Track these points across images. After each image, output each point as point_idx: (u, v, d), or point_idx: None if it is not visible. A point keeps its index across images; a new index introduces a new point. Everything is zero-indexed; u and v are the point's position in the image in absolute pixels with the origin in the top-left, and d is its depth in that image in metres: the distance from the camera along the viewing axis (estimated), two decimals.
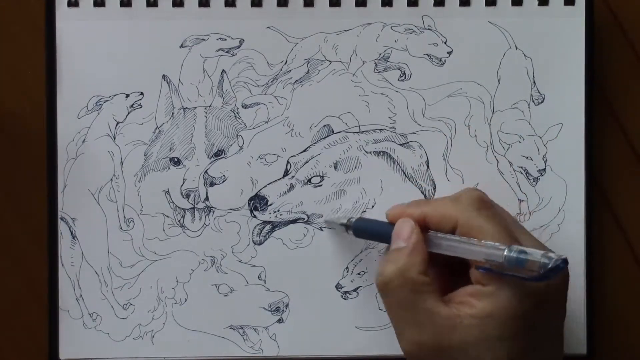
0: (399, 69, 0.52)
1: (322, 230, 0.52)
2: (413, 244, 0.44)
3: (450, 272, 0.46)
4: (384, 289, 0.44)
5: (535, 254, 0.40)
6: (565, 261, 0.39)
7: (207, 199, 0.52)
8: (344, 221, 0.50)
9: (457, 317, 0.42)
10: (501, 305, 0.41)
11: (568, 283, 0.44)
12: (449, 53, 0.52)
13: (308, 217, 0.52)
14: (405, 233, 0.45)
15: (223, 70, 0.52)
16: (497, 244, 0.42)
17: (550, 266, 0.39)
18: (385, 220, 0.48)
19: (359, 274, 0.52)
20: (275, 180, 0.52)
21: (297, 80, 0.52)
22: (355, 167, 0.52)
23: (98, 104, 0.52)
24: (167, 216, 0.52)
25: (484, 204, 0.45)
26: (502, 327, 0.41)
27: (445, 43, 0.52)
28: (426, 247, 0.44)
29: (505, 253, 0.41)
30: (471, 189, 0.47)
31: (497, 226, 0.43)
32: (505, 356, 0.41)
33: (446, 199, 0.46)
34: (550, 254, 0.40)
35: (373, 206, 0.52)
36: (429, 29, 0.52)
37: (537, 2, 0.52)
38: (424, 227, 0.45)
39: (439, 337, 0.42)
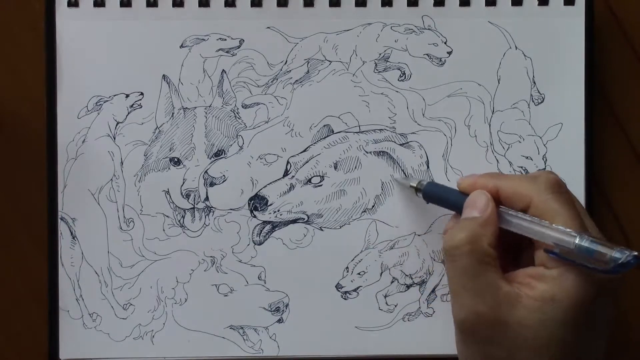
0: (399, 69, 0.52)
1: (322, 230, 0.52)
2: (488, 214, 0.44)
3: (511, 253, 0.46)
4: (452, 253, 0.44)
5: (607, 246, 0.40)
6: (636, 257, 0.39)
7: (207, 199, 0.52)
8: (414, 184, 0.50)
9: (517, 295, 0.42)
10: (564, 290, 0.41)
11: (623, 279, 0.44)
12: (449, 53, 0.52)
13: (308, 217, 0.52)
14: (480, 204, 0.45)
15: (223, 70, 0.52)
16: (569, 230, 0.41)
17: (621, 261, 0.39)
18: (456, 188, 0.48)
19: (359, 274, 0.52)
20: (275, 180, 0.52)
21: (297, 80, 0.52)
22: (355, 167, 0.52)
23: (98, 104, 0.52)
24: (167, 216, 0.52)
25: (560, 187, 0.44)
26: (561, 312, 0.41)
27: (445, 43, 0.52)
28: (497, 221, 0.44)
29: (577, 241, 0.40)
30: (548, 172, 0.46)
31: (571, 212, 0.43)
32: (561, 341, 0.41)
33: (522, 177, 0.46)
34: (623, 249, 0.39)
35: (373, 206, 0.52)
36: (429, 29, 0.52)
37: (537, 2, 0.52)
38: (496, 200, 0.45)
39: (498, 311, 0.42)
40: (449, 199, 0.48)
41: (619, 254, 0.39)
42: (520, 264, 0.44)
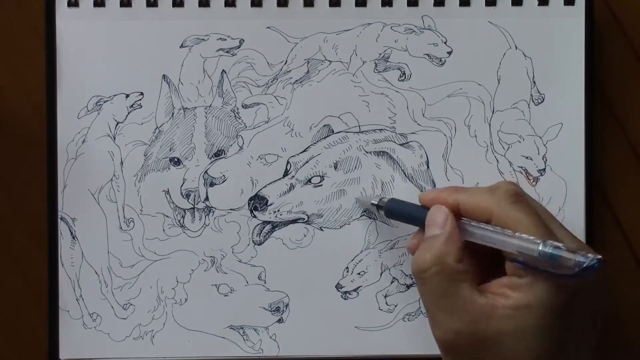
0: (399, 69, 0.52)
1: (322, 230, 0.52)
2: (448, 231, 0.44)
3: (485, 262, 0.46)
4: (421, 276, 0.44)
5: (570, 251, 0.40)
6: (600, 261, 0.39)
7: (207, 199, 0.52)
8: (376, 201, 0.50)
9: (493, 306, 0.42)
10: (537, 297, 0.41)
11: (607, 280, 0.44)
12: (449, 53, 0.52)
13: (308, 217, 0.52)
14: (440, 220, 0.45)
15: (223, 70, 0.52)
16: (532, 237, 0.41)
17: (584, 265, 0.39)
18: (418, 203, 0.48)
19: (359, 274, 0.52)
20: (275, 180, 0.52)
21: (297, 80, 0.52)
22: (355, 167, 0.52)
23: (98, 104, 0.52)
24: (167, 216, 0.52)
25: (519, 197, 0.44)
26: (537, 319, 0.41)
27: (445, 43, 0.52)
28: (460, 235, 0.44)
29: (539, 248, 0.40)
30: (507, 182, 0.47)
31: (533, 219, 0.43)
32: (539, 347, 0.41)
33: (481, 189, 0.46)
34: (586, 253, 0.39)
35: None
36: (429, 29, 0.52)
37: (537, 2, 0.52)
38: (457, 214, 0.45)
39: (475, 326, 0.42)
40: (410, 214, 0.48)
41: (582, 259, 0.39)
42: (497, 273, 0.44)
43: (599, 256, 0.39)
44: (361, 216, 0.52)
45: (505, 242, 0.42)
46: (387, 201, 0.50)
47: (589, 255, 0.39)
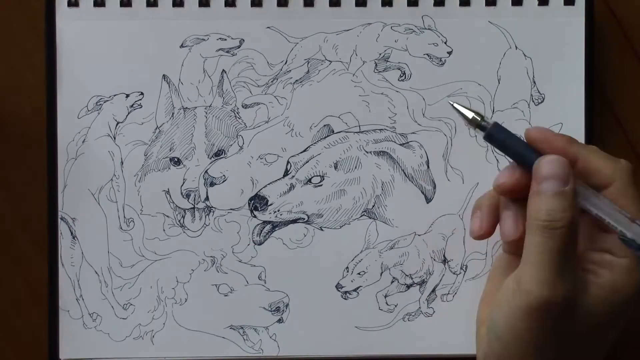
0: (399, 69, 0.52)
1: (322, 230, 0.52)
2: (574, 187, 0.41)
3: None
4: (551, 229, 0.41)
5: None
6: None
7: (207, 199, 0.52)
8: (478, 119, 0.44)
9: (585, 279, 0.41)
10: (632, 282, 0.41)
11: None
12: (449, 53, 0.52)
13: (308, 217, 0.52)
14: (564, 174, 0.41)
15: (223, 70, 0.52)
16: None
17: None
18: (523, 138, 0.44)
19: (359, 274, 0.52)
20: (275, 180, 0.52)
21: (297, 80, 0.52)
22: (356, 167, 0.52)
23: (98, 104, 0.52)
24: (167, 216, 0.52)
25: (635, 176, 0.43)
26: (624, 303, 0.41)
27: (445, 43, 0.52)
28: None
29: None
30: (624, 160, 0.44)
31: None
32: (614, 329, 0.42)
33: (604, 154, 0.43)
34: None
35: (373, 206, 0.52)
36: (429, 29, 0.52)
37: (537, 2, 0.52)
38: (573, 164, 0.43)
39: (574, 291, 0.41)
40: (516, 150, 0.43)
41: None
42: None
43: None
44: (361, 216, 0.52)
45: (620, 220, 0.41)
46: (491, 125, 0.44)
47: None
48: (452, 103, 0.45)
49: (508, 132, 0.44)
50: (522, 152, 0.43)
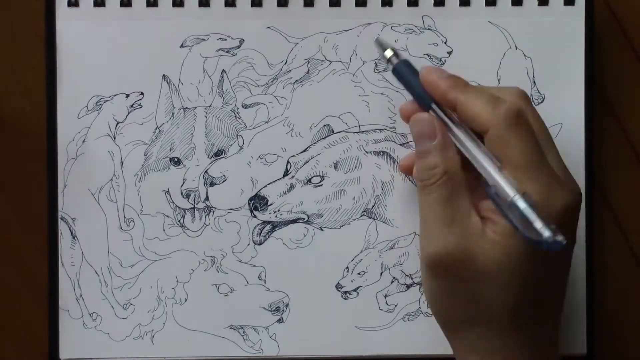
0: None
1: (322, 230, 0.52)
2: (443, 139, 0.43)
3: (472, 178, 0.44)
4: (428, 184, 0.42)
5: (539, 220, 0.38)
6: (561, 245, 0.38)
7: (207, 199, 0.52)
8: (390, 54, 0.47)
9: (483, 228, 0.41)
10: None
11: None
12: (449, 53, 0.52)
13: (308, 217, 0.52)
14: (431, 130, 0.43)
15: (223, 70, 0.52)
16: (513, 182, 0.40)
17: (543, 240, 0.38)
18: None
19: (359, 273, 0.52)
20: (275, 180, 0.52)
21: (297, 80, 0.52)
22: (355, 167, 0.52)
23: (98, 104, 0.52)
24: (167, 216, 0.52)
25: (520, 118, 0.42)
26: (524, 247, 0.40)
27: (445, 43, 0.52)
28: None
29: (513, 198, 0.39)
30: (514, 93, 0.44)
31: (528, 146, 0.41)
32: (524, 277, 0.41)
33: (485, 96, 0.43)
34: (554, 230, 0.38)
35: (373, 206, 0.52)
36: (429, 29, 0.52)
37: (537, 2, 0.52)
38: (453, 109, 0.44)
39: (468, 242, 0.41)
40: (411, 87, 0.46)
41: (547, 234, 0.38)
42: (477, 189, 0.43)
43: (564, 241, 0.38)
44: (361, 216, 0.52)
45: (487, 173, 0.41)
46: (399, 60, 0.46)
47: (557, 236, 0.38)
48: (378, 40, 0.48)
49: (414, 72, 0.46)
50: (419, 94, 0.45)
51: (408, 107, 0.46)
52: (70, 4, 0.52)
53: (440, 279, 0.43)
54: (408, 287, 0.52)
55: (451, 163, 0.42)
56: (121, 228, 0.52)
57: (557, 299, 0.44)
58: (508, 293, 0.41)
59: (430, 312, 0.52)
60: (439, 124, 0.43)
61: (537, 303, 0.43)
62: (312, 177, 0.52)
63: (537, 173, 0.41)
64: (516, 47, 0.52)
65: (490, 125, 0.42)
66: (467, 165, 0.43)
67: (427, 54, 0.52)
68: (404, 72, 0.46)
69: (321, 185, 0.52)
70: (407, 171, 0.50)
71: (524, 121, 0.42)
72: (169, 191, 0.52)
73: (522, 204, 0.39)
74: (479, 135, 0.43)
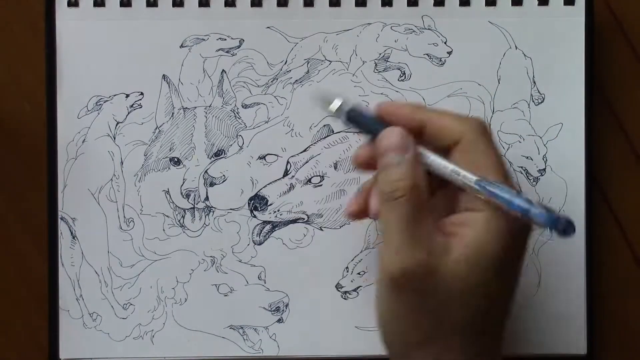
0: (399, 69, 0.52)
1: (322, 230, 0.52)
2: (414, 155, 0.42)
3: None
4: (392, 200, 0.42)
5: (539, 207, 0.39)
6: (572, 226, 0.38)
7: (207, 199, 0.52)
8: (336, 106, 0.45)
9: (448, 244, 0.41)
10: (491, 235, 0.40)
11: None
12: (449, 53, 0.52)
13: (308, 217, 0.52)
14: (401, 143, 0.42)
15: (223, 70, 0.52)
16: (506, 186, 0.40)
17: (552, 224, 0.38)
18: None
19: (359, 273, 0.52)
20: (275, 180, 0.52)
21: (297, 80, 0.52)
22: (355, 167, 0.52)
23: (98, 104, 0.52)
24: (167, 216, 0.52)
25: (488, 133, 0.43)
26: (489, 260, 0.40)
27: (445, 43, 0.52)
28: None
29: (516, 201, 0.39)
30: (476, 117, 0.44)
31: (500, 159, 0.42)
32: (487, 290, 0.41)
33: (449, 113, 0.44)
34: (554, 211, 0.39)
35: None
36: (429, 29, 0.52)
37: (537, 2, 0.52)
38: (418, 135, 0.43)
39: (433, 258, 0.40)
40: (368, 127, 0.44)
41: (551, 217, 0.38)
42: (448, 207, 0.43)
43: (572, 220, 0.39)
44: None
45: (466, 175, 0.41)
46: (349, 108, 0.45)
47: (565, 218, 0.38)
48: (311, 96, 0.47)
49: (363, 112, 0.45)
50: (376, 128, 0.44)
51: (365, 152, 0.45)
52: (70, 4, 0.52)
53: (404, 297, 0.41)
54: None
55: (419, 179, 0.42)
56: (121, 228, 0.52)
57: (507, 312, 0.44)
58: (471, 308, 0.41)
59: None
60: (412, 139, 0.43)
61: (496, 316, 0.42)
62: (312, 177, 0.52)
63: (507, 181, 0.41)
64: (516, 47, 0.52)
65: (463, 134, 0.42)
66: (432, 184, 0.43)
67: (427, 54, 0.52)
68: (359, 114, 0.45)
69: (321, 185, 0.52)
70: (362, 167, 0.46)
71: (491, 137, 0.43)
72: (169, 191, 0.52)
73: (523, 201, 0.39)
74: (444, 154, 0.43)
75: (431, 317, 0.41)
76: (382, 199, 0.42)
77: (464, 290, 0.40)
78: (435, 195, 0.44)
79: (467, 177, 0.41)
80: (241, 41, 0.52)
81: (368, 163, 0.45)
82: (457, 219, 0.42)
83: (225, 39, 0.52)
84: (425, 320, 0.41)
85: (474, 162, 0.42)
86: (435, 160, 0.42)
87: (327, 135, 0.52)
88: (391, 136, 0.43)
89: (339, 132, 0.52)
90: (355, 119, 0.45)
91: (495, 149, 0.42)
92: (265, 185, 0.52)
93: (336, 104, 0.45)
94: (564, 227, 0.39)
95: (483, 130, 0.42)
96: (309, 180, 0.52)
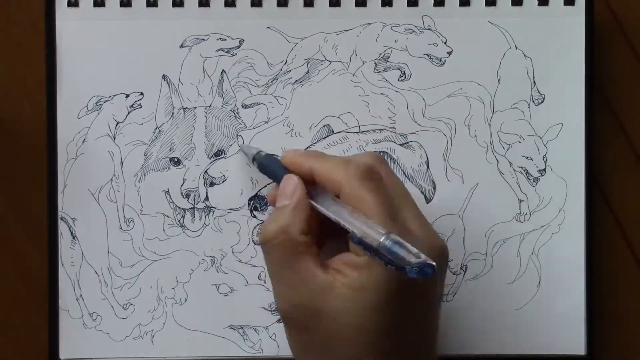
0: (399, 69, 0.52)
1: None
2: (295, 202, 0.43)
3: (334, 236, 0.44)
4: (265, 246, 0.43)
5: (409, 251, 0.38)
6: (433, 268, 0.37)
7: (207, 199, 0.52)
8: (254, 152, 0.49)
9: (332, 283, 0.41)
10: (372, 278, 0.40)
11: (446, 266, 0.44)
12: (449, 53, 0.52)
13: None
14: (289, 190, 0.44)
15: (223, 70, 0.52)
16: (378, 226, 0.40)
17: (415, 269, 0.37)
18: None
19: None
20: None
21: (297, 80, 0.52)
22: None
23: (98, 104, 0.52)
24: (167, 216, 0.52)
25: (372, 173, 0.43)
26: (372, 300, 0.40)
27: (445, 43, 0.52)
28: (309, 206, 0.43)
29: (381, 240, 0.39)
30: (367, 155, 0.45)
31: (380, 200, 0.42)
32: (375, 328, 0.41)
33: (336, 161, 0.44)
34: (423, 259, 0.38)
35: None
36: (429, 29, 0.52)
37: (537, 2, 0.52)
38: (313, 182, 0.44)
39: (313, 301, 0.41)
40: (274, 174, 0.47)
41: (416, 261, 0.37)
42: (345, 247, 0.43)
43: (433, 263, 0.37)
44: None
45: (351, 223, 0.41)
46: (263, 155, 0.49)
47: (427, 261, 0.37)
48: (239, 145, 0.52)
49: (272, 162, 0.48)
50: (282, 175, 0.45)
51: (273, 193, 0.46)
52: (70, 4, 0.52)
53: (295, 333, 0.44)
54: None
55: (295, 226, 0.42)
56: (121, 228, 0.52)
57: (426, 336, 0.44)
58: (359, 344, 0.41)
59: None
60: (300, 187, 0.44)
61: (394, 349, 0.42)
62: None
63: (389, 226, 0.41)
64: (516, 47, 0.52)
65: (343, 182, 0.43)
66: (320, 228, 0.44)
67: (427, 54, 0.52)
68: (268, 162, 0.48)
69: None
70: (274, 205, 0.47)
71: (376, 177, 0.43)
72: (168, 191, 0.52)
73: (389, 241, 0.39)
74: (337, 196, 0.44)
75: (322, 352, 0.42)
76: (261, 246, 0.44)
77: (348, 328, 0.41)
78: (334, 233, 0.44)
79: (348, 228, 0.41)
80: (241, 41, 0.52)
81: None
82: (345, 258, 0.42)
83: (225, 39, 0.52)
84: (316, 356, 0.43)
85: (356, 209, 0.42)
86: (321, 208, 0.43)
87: (327, 135, 0.52)
88: (283, 183, 0.45)
89: (339, 132, 0.52)
90: (265, 167, 0.48)
91: (378, 191, 0.42)
92: (265, 185, 0.52)
93: (251, 154, 0.49)
94: (431, 271, 0.38)
95: (363, 173, 0.43)
96: None
